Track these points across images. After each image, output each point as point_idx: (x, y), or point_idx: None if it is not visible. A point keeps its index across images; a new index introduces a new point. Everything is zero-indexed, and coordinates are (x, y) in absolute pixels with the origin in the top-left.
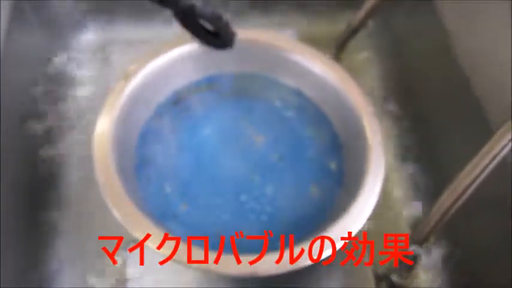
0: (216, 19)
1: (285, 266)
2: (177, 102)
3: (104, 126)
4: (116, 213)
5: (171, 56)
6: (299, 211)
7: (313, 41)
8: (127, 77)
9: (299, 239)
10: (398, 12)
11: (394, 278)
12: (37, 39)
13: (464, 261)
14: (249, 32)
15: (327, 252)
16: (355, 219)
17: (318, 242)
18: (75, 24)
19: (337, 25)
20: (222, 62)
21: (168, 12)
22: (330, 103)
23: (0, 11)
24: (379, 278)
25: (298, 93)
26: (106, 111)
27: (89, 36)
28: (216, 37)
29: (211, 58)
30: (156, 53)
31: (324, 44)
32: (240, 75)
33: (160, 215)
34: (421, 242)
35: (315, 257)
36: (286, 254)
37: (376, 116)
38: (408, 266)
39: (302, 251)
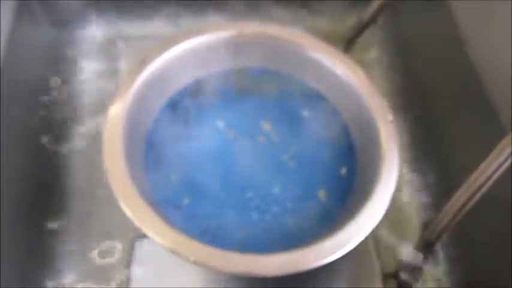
0: None
1: (284, 268)
2: (192, 92)
3: (116, 110)
4: (120, 200)
5: (188, 46)
6: (305, 214)
7: (320, 38)
8: (143, 62)
9: (302, 243)
10: (408, 8)
11: (402, 276)
12: (43, 34)
13: (470, 260)
14: (269, 28)
15: (328, 258)
16: (361, 228)
17: (320, 248)
18: (82, 19)
19: (345, 21)
20: (240, 56)
21: (174, 8)
22: (349, 106)
23: (7, 6)
24: (386, 277)
25: (317, 94)
26: (120, 95)
27: (96, 31)
28: None
29: (229, 51)
30: (171, 43)
31: (331, 41)
32: (258, 70)
33: (164, 204)
34: (432, 241)
35: (315, 263)
36: (286, 256)
37: (395, 126)
38: (417, 265)
39: (302, 255)
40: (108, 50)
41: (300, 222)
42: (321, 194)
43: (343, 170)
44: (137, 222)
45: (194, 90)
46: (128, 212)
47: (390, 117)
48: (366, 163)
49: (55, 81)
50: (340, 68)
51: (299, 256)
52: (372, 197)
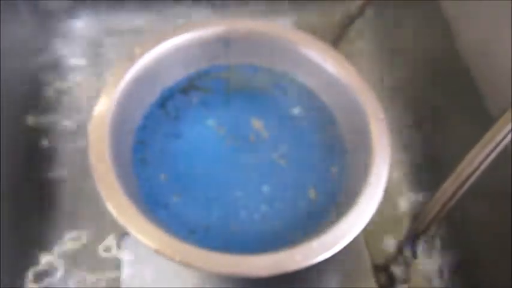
0: None
1: (271, 269)
2: (182, 89)
3: (103, 107)
4: (105, 199)
5: (178, 42)
6: (294, 213)
7: (308, 30)
8: (132, 58)
9: (291, 243)
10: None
11: (393, 269)
12: (28, 29)
13: (463, 252)
14: (261, 24)
15: (315, 259)
16: (350, 228)
17: (307, 248)
18: (67, 13)
19: (333, 13)
20: (231, 52)
21: (163, 2)
22: (340, 104)
23: None
24: (377, 270)
25: (309, 91)
26: (107, 92)
27: (81, 25)
28: None
29: (220, 48)
30: (161, 39)
31: (319, 33)
32: (250, 67)
33: (152, 203)
34: (421, 232)
35: (302, 263)
36: (273, 257)
37: (387, 125)
38: (407, 257)
39: (289, 255)
40: (96, 45)
41: (290, 222)
42: (311, 193)
43: (334, 169)
44: (122, 222)
45: (184, 87)
46: (113, 212)
47: (382, 115)
48: (357, 162)
49: (41, 75)
50: (332, 65)
51: (286, 256)
52: (362, 197)
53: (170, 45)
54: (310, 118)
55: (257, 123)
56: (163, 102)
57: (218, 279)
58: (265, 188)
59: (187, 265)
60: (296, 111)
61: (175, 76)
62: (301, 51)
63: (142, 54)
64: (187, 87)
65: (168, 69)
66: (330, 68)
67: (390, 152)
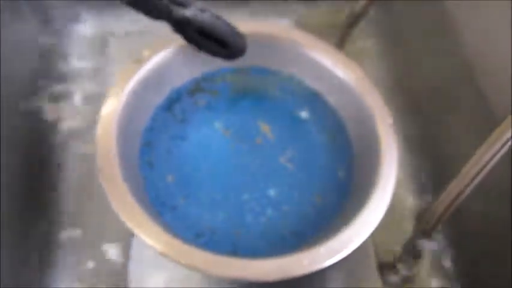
0: (218, 27)
1: (277, 273)
2: (189, 92)
3: (110, 109)
4: (112, 201)
5: (184, 45)
6: (300, 217)
7: (311, 30)
8: (140, 61)
9: (297, 247)
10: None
11: (399, 268)
12: (31, 29)
13: (466, 251)
14: (267, 27)
15: (323, 264)
16: (357, 233)
17: (314, 253)
18: (70, 14)
19: (337, 13)
20: None
21: None
22: (347, 108)
23: None
24: (383, 269)
25: (317, 95)
26: (114, 94)
27: (84, 26)
28: (224, 47)
29: None
30: (167, 42)
31: (323, 33)
32: (257, 70)
33: (159, 205)
34: (427, 231)
35: (308, 268)
36: (279, 261)
37: (394, 130)
38: (413, 256)
39: (296, 260)
40: (99, 45)
41: (296, 225)
42: (318, 197)
43: (341, 174)
44: (128, 224)
45: (191, 90)
46: (120, 214)
47: (390, 120)
48: (365, 166)
49: (44, 78)
50: (339, 68)
51: (293, 261)
52: (369, 202)
53: (177, 48)
54: (317, 121)
55: (264, 126)
56: (170, 104)
57: (224, 283)
58: (272, 192)
59: (192, 268)
60: (303, 114)
61: (182, 79)
62: (308, 53)
63: (150, 56)
64: (193, 89)
65: (175, 72)
66: (337, 71)
67: (398, 156)
